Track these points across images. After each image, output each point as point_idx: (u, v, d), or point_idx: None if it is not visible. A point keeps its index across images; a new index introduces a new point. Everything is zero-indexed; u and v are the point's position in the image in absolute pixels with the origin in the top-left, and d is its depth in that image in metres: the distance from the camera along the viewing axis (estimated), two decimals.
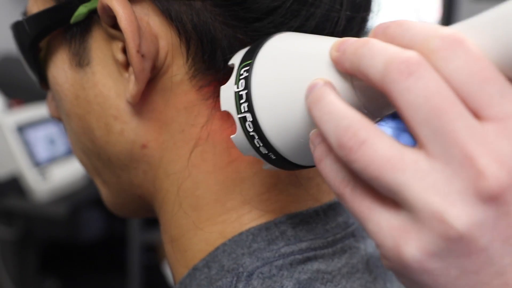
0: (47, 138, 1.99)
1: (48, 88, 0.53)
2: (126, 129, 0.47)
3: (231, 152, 0.46)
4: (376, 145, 0.31)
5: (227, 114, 0.45)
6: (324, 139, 0.35)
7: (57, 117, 0.56)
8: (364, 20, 0.48)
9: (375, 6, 0.48)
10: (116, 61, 0.46)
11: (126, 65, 0.46)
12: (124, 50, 0.45)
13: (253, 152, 0.41)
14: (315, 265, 0.45)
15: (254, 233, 0.46)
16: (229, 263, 0.45)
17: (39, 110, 2.00)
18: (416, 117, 0.30)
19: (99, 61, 0.47)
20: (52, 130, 2.02)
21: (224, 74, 0.44)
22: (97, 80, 0.47)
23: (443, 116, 0.30)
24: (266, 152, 0.40)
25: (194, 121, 0.46)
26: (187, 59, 0.45)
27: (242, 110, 0.40)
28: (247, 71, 0.40)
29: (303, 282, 0.43)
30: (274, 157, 0.40)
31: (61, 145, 2.03)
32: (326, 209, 0.48)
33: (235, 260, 0.45)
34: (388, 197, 0.32)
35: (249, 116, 0.40)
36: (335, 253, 0.47)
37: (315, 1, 0.43)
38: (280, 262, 0.44)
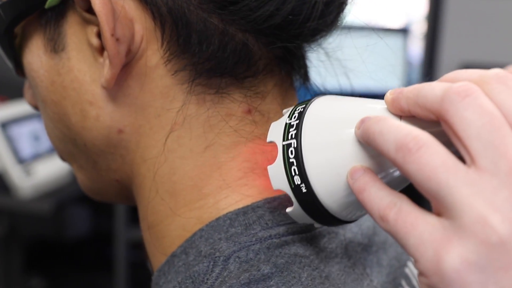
0: (31, 135, 1.98)
1: (24, 75, 0.53)
2: (101, 114, 0.47)
3: (208, 137, 0.46)
4: (434, 149, 0.34)
5: (203, 99, 0.45)
6: (366, 171, 0.38)
7: (34, 105, 0.55)
8: (342, 4, 0.48)
9: None
10: (91, 46, 0.46)
11: (101, 50, 0.45)
12: (99, 35, 0.45)
13: (285, 183, 0.42)
14: (293, 249, 0.44)
15: (231, 217, 0.45)
16: (206, 249, 0.45)
17: (23, 107, 1.99)
18: (470, 132, 0.33)
19: (74, 46, 0.47)
20: (36, 126, 2.01)
21: (198, 58, 0.44)
22: (72, 66, 0.47)
23: (495, 131, 0.33)
24: (299, 182, 0.41)
25: (170, 106, 0.46)
26: (162, 43, 0.44)
27: (289, 137, 0.42)
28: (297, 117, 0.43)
29: (280, 265, 0.43)
30: (304, 191, 0.41)
31: (46, 141, 2.02)
32: None
33: (212, 245, 0.45)
34: (432, 212, 0.34)
35: (293, 143, 0.42)
36: (313, 237, 0.47)
37: None
38: (257, 246, 0.44)
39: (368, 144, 0.38)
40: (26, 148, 1.95)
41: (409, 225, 0.35)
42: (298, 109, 0.43)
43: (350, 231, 0.51)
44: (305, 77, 0.51)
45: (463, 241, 0.32)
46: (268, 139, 0.44)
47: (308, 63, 0.52)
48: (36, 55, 0.49)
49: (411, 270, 0.57)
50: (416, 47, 2.99)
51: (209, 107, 0.46)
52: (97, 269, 2.46)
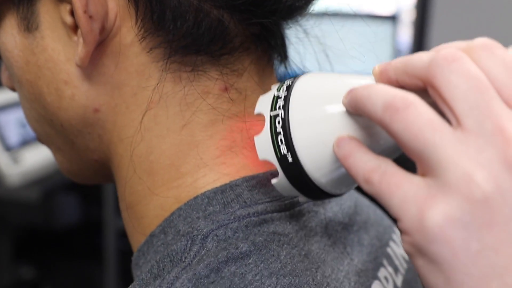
0: (19, 122, 1.97)
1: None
2: (77, 93, 0.47)
3: (185, 115, 0.46)
4: (422, 108, 0.34)
5: (179, 77, 0.45)
6: (352, 139, 0.39)
7: (10, 87, 0.55)
8: None
9: None
10: (64, 24, 0.45)
11: (75, 28, 0.45)
12: (73, 13, 0.44)
13: (271, 153, 0.42)
14: (271, 227, 0.44)
15: (209, 196, 0.45)
16: (184, 228, 0.45)
17: (9, 94, 1.97)
18: (456, 94, 0.34)
19: (47, 25, 0.46)
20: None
21: (173, 36, 0.44)
22: (47, 45, 0.46)
23: (481, 94, 0.33)
24: (285, 152, 0.41)
25: (146, 84, 0.45)
26: (137, 20, 0.44)
27: (276, 108, 0.42)
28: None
29: (258, 243, 0.43)
30: (290, 160, 0.41)
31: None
32: None
33: (190, 224, 0.44)
34: (416, 173, 0.35)
35: (281, 114, 0.42)
36: (293, 216, 0.46)
37: None
38: (235, 224, 0.44)
39: (355, 110, 0.38)
40: (14, 135, 1.94)
41: (393, 185, 0.35)
42: (287, 83, 0.43)
43: (330, 210, 0.51)
44: (284, 55, 0.51)
45: (447, 198, 0.33)
46: (256, 111, 0.44)
47: (287, 42, 0.51)
48: (10, 34, 0.48)
49: (393, 249, 0.57)
50: (405, 34, 2.99)
51: (185, 85, 0.45)
52: (87, 258, 2.46)
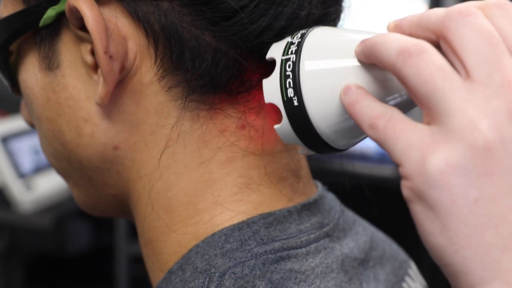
0: (32, 149, 1.98)
1: (20, 93, 0.53)
2: (96, 131, 0.47)
3: (202, 153, 0.46)
4: (434, 56, 0.35)
5: (197, 115, 0.45)
6: (359, 88, 0.39)
7: (30, 123, 0.56)
8: (335, 18, 0.48)
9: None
10: (85, 63, 0.46)
11: (95, 67, 0.46)
12: (93, 52, 0.45)
13: (277, 96, 0.42)
14: (288, 265, 0.44)
15: (226, 233, 0.45)
16: (202, 265, 0.45)
17: (22, 121, 1.99)
18: (468, 46, 0.35)
19: (68, 63, 0.47)
20: (36, 141, 1.99)
21: (192, 75, 0.44)
22: (67, 83, 0.47)
23: (492, 48, 0.34)
24: (292, 95, 0.41)
25: (164, 122, 0.46)
26: (156, 60, 0.45)
27: (289, 52, 0.42)
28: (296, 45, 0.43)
29: (275, 281, 0.43)
30: (296, 104, 0.41)
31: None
32: (300, 209, 0.48)
33: (208, 261, 0.45)
34: (423, 120, 0.36)
35: (293, 58, 0.42)
36: (309, 253, 0.46)
37: (283, 0, 0.43)
38: (252, 262, 0.44)
39: (367, 56, 0.39)
40: (27, 162, 1.95)
41: (398, 130, 0.36)
42: (301, 31, 0.44)
43: (346, 246, 0.51)
44: None
45: (450, 144, 0.34)
46: (268, 56, 0.44)
47: None
48: (31, 72, 0.49)
49: (408, 285, 0.57)
50: None
51: (203, 123, 0.46)
52: (98, 284, 2.46)
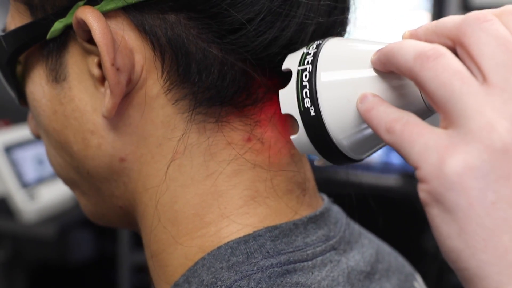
0: (35, 159, 1.98)
1: (27, 104, 0.53)
2: (103, 143, 0.47)
3: (209, 166, 0.46)
4: (452, 60, 0.35)
5: (203, 127, 0.45)
6: (375, 96, 0.40)
7: (37, 135, 0.56)
8: (341, 31, 0.49)
9: (352, 5, 0.49)
10: (92, 75, 0.46)
11: (102, 79, 0.46)
12: (100, 65, 0.45)
13: (294, 106, 0.43)
14: (294, 278, 0.44)
15: (232, 246, 0.45)
16: (208, 278, 0.45)
17: (26, 131, 1.99)
18: (485, 51, 0.35)
19: (75, 76, 0.47)
20: (40, 151, 2.01)
21: (198, 88, 0.44)
22: (74, 95, 0.47)
23: (508, 53, 0.35)
24: (309, 105, 0.42)
25: (171, 135, 0.46)
26: (162, 73, 0.45)
27: (305, 63, 0.43)
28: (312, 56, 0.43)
29: None
30: (313, 114, 0.42)
31: (50, 165, 2.01)
32: (306, 222, 0.48)
33: (214, 274, 0.45)
34: (440, 125, 0.36)
35: (309, 68, 0.42)
36: (315, 266, 0.46)
37: (290, 12, 0.44)
38: (258, 275, 0.44)
39: (384, 63, 0.39)
40: (30, 172, 1.95)
41: (415, 134, 0.36)
42: (316, 42, 0.44)
43: (352, 259, 0.51)
44: None
45: (468, 147, 0.34)
46: (284, 67, 0.44)
47: None
48: (38, 84, 0.49)
49: None
50: None
51: (209, 136, 0.46)
52: None
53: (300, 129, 0.43)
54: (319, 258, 0.47)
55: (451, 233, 0.35)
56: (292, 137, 0.44)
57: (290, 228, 0.47)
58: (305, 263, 0.46)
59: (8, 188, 1.87)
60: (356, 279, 0.50)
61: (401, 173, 2.28)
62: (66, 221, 1.91)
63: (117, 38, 0.44)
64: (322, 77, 0.42)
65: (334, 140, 0.42)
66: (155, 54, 0.44)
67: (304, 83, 0.42)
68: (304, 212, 0.49)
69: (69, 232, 1.93)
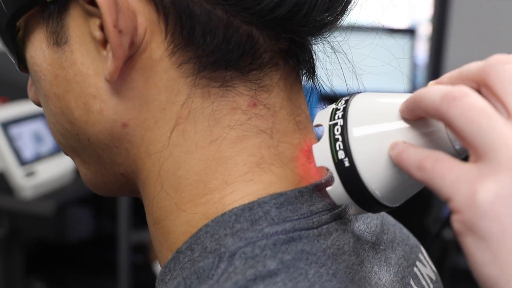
0: (33, 135, 1.98)
1: (27, 70, 0.52)
2: (105, 108, 0.46)
3: (213, 131, 0.46)
4: (477, 98, 0.38)
5: (208, 92, 0.44)
6: (406, 143, 0.42)
7: (36, 102, 0.55)
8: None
9: None
10: (94, 38, 0.45)
11: (104, 42, 0.45)
12: (102, 27, 0.44)
13: (328, 159, 0.45)
14: (299, 246, 0.44)
15: (237, 213, 0.45)
16: (211, 244, 0.44)
17: (24, 107, 1.99)
18: (508, 89, 0.38)
19: (77, 39, 0.46)
20: (38, 127, 2.00)
21: (203, 51, 0.44)
22: (76, 59, 0.46)
23: None
24: (343, 157, 0.44)
25: (175, 99, 0.45)
26: (166, 35, 0.44)
27: (335, 118, 0.45)
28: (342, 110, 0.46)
29: (286, 262, 0.42)
30: (347, 165, 0.44)
31: (48, 142, 2.01)
32: (312, 190, 0.48)
33: (217, 241, 0.44)
34: (469, 161, 0.38)
35: (340, 122, 0.45)
36: (320, 234, 0.46)
37: None
38: (263, 242, 0.43)
39: (412, 110, 0.42)
40: (28, 149, 1.94)
41: (446, 169, 0.38)
42: (345, 98, 0.47)
43: (357, 229, 0.51)
44: (311, 71, 0.51)
45: (497, 176, 0.36)
46: (315, 123, 0.47)
47: (314, 57, 0.51)
48: (38, 48, 0.48)
49: (419, 269, 0.56)
50: (422, 48, 2.99)
51: (214, 101, 0.45)
52: (100, 272, 2.46)
53: (335, 180, 0.45)
54: (324, 227, 0.47)
55: (485, 260, 0.36)
56: (328, 188, 0.45)
57: (295, 195, 0.46)
58: (311, 231, 0.45)
59: (6, 165, 1.87)
60: (361, 249, 0.49)
61: None
62: (64, 198, 1.91)
63: None
64: (354, 133, 0.44)
65: (369, 189, 0.44)
66: (158, 16, 0.44)
67: (336, 137, 0.44)
68: (310, 180, 0.48)
69: (67, 209, 1.93)
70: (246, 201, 0.45)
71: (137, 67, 0.45)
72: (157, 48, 0.44)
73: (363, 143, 0.43)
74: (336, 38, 0.51)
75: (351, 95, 0.47)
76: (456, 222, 0.37)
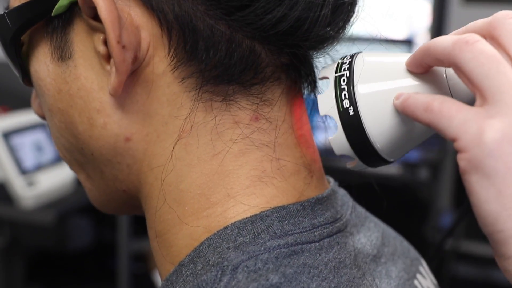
0: (34, 145, 1.98)
1: (31, 84, 0.52)
2: (109, 122, 0.47)
3: (215, 145, 0.46)
4: (487, 45, 0.40)
5: (210, 106, 0.45)
6: (411, 94, 0.43)
7: (41, 115, 0.55)
8: (350, 11, 0.48)
9: None
10: (97, 53, 0.46)
11: (108, 57, 0.45)
12: (106, 42, 0.45)
13: (333, 108, 0.45)
14: (302, 259, 0.44)
15: (239, 226, 0.45)
16: (214, 258, 0.44)
17: (25, 117, 1.99)
18: None
19: (81, 54, 0.46)
20: (39, 137, 2.00)
21: (206, 65, 0.44)
22: (79, 73, 0.47)
23: None
24: (348, 105, 0.45)
25: (177, 113, 0.46)
26: (169, 50, 0.44)
27: (342, 70, 0.46)
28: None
29: (288, 275, 0.42)
30: (351, 113, 0.45)
31: (48, 152, 2.01)
32: (313, 203, 0.48)
33: (220, 254, 0.44)
34: (475, 104, 0.40)
35: (346, 73, 0.46)
36: (322, 247, 0.46)
37: None
38: (265, 255, 0.43)
39: (420, 58, 0.43)
40: (29, 158, 1.95)
41: (454, 110, 0.40)
42: (350, 54, 0.48)
43: (359, 242, 0.51)
44: (313, 84, 0.51)
45: (505, 117, 0.38)
46: (320, 75, 0.48)
47: (316, 71, 0.51)
48: (43, 63, 0.49)
49: (420, 282, 0.56)
50: None
51: (216, 115, 0.46)
52: (100, 281, 2.45)
53: (338, 129, 0.45)
54: (326, 240, 0.47)
55: (489, 197, 0.38)
56: (329, 138, 0.46)
57: (297, 209, 0.46)
58: (312, 244, 0.45)
59: (6, 175, 1.87)
60: (362, 262, 0.50)
61: (402, 161, 2.28)
62: (64, 208, 1.91)
63: (123, 14, 0.43)
64: (360, 81, 0.45)
65: (370, 138, 0.45)
66: (162, 31, 0.44)
67: (342, 87, 0.45)
68: (311, 194, 0.48)
69: (67, 219, 1.93)
70: (248, 214, 0.45)
71: (141, 81, 0.45)
72: (160, 62, 0.45)
73: (369, 94, 0.45)
74: (337, 50, 0.51)
75: (355, 52, 0.48)
76: (462, 160, 0.39)
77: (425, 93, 0.43)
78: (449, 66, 0.42)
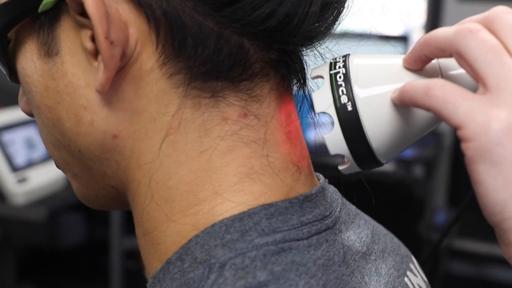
0: (26, 141, 1.97)
1: (18, 81, 0.52)
2: (96, 119, 0.46)
3: (203, 142, 0.46)
4: (489, 34, 0.41)
5: (198, 103, 0.44)
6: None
7: (28, 112, 0.55)
8: (339, 8, 0.48)
9: None
10: (85, 49, 0.45)
11: (95, 53, 0.45)
12: (93, 39, 0.44)
13: (330, 104, 0.46)
14: (290, 257, 0.44)
15: (227, 224, 0.45)
16: (201, 255, 0.44)
17: (16, 113, 1.98)
18: (510, 33, 0.41)
19: (68, 50, 0.46)
20: (30, 133, 2.00)
21: (194, 62, 0.44)
22: (66, 70, 0.46)
23: None
24: (345, 101, 0.45)
25: (165, 110, 0.45)
26: (157, 46, 0.44)
27: (336, 67, 0.47)
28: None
29: (276, 273, 0.42)
30: (350, 109, 0.45)
31: (40, 148, 2.01)
32: (302, 200, 0.48)
33: (207, 251, 0.44)
34: (478, 92, 0.41)
35: (342, 70, 0.46)
36: (311, 245, 0.46)
37: None
38: (253, 253, 0.43)
39: (419, 50, 0.44)
40: (20, 155, 1.94)
41: (459, 97, 0.40)
42: (342, 55, 0.48)
43: (348, 239, 0.51)
44: (302, 80, 0.51)
45: (510, 107, 0.39)
46: (313, 75, 0.48)
47: (305, 67, 0.51)
48: (29, 60, 0.48)
49: (410, 279, 0.56)
50: None
51: (204, 111, 0.45)
52: (92, 278, 2.45)
53: (335, 126, 0.45)
54: (314, 237, 0.47)
55: (497, 185, 0.39)
56: (325, 135, 0.46)
57: (285, 206, 0.46)
58: (301, 241, 0.45)
59: None
60: (351, 259, 0.49)
61: (396, 159, 2.28)
62: (56, 204, 1.90)
63: (111, 10, 0.43)
64: (356, 77, 0.45)
65: (367, 136, 0.45)
66: (149, 27, 0.44)
67: (339, 83, 0.45)
68: (300, 190, 0.48)
69: (59, 215, 1.93)
70: (236, 211, 0.45)
71: (128, 78, 0.45)
72: (148, 59, 0.45)
73: (366, 90, 0.45)
74: (328, 46, 0.51)
75: (347, 54, 0.48)
76: (469, 149, 0.40)
77: None
78: (450, 56, 0.43)
